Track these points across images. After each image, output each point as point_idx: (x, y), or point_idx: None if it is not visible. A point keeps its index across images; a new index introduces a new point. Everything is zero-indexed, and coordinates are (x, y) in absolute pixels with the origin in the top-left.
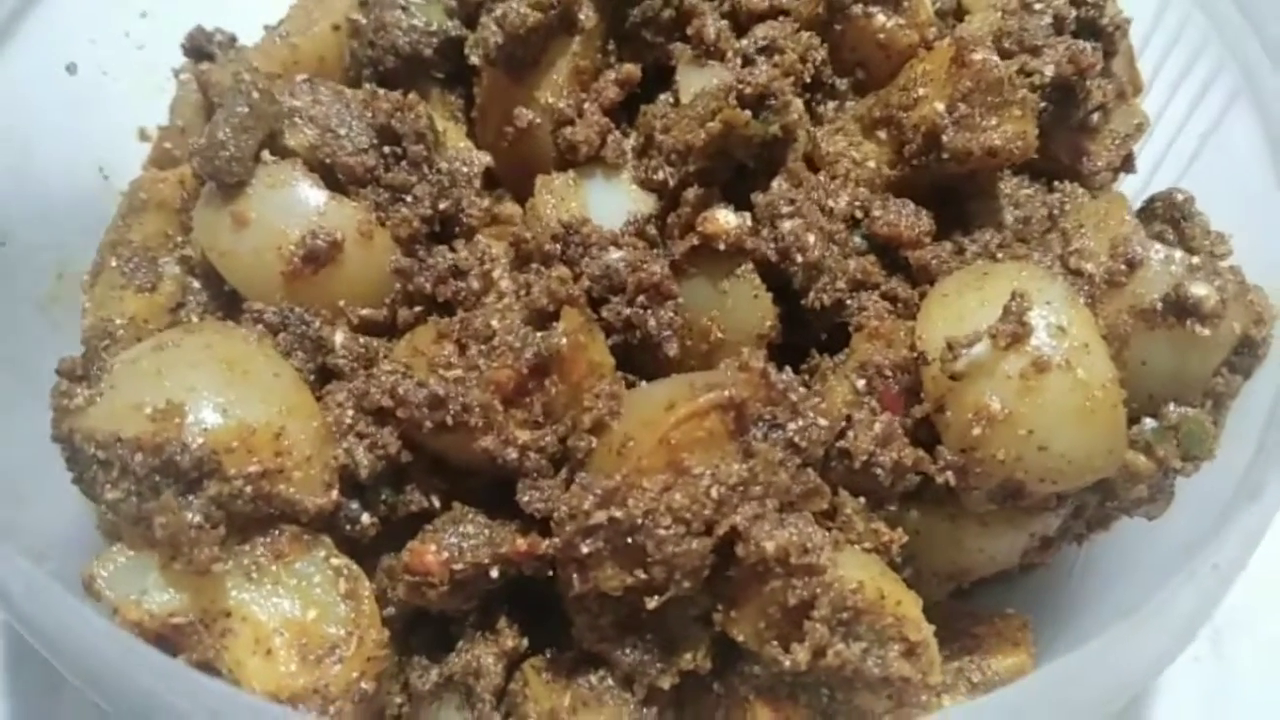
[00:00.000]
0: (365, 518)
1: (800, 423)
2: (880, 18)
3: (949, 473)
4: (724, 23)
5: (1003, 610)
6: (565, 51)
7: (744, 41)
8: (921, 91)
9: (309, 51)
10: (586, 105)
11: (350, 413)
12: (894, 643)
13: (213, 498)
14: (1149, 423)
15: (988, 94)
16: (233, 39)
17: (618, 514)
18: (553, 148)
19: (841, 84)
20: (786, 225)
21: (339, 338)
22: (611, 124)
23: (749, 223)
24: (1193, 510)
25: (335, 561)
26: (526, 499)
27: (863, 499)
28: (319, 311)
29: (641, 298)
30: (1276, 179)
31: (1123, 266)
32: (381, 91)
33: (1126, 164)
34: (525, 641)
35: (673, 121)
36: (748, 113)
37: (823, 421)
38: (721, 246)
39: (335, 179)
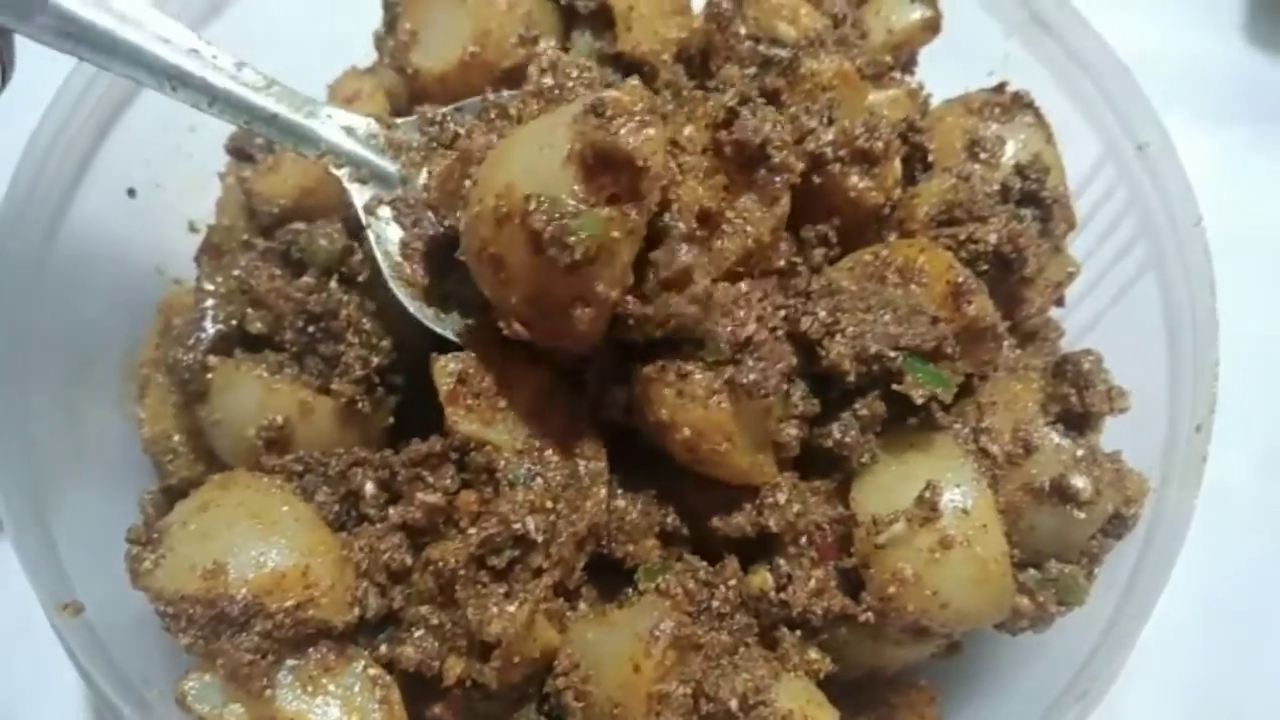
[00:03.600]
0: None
1: (723, 589)
2: (854, 178)
3: (870, 614)
4: None
5: (917, 681)
6: None
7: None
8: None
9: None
10: None
11: (366, 563)
12: None
13: (260, 633)
14: (1033, 573)
15: (975, 340)
16: (270, 142)
17: None
18: None
19: (814, 233)
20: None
21: (369, 489)
22: None
23: None
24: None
25: (371, 672)
26: None
27: (799, 631)
28: (328, 456)
29: None
30: (1167, 362)
31: (1020, 450)
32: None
33: (1057, 303)
34: None
35: None
36: None
37: (733, 583)
38: None
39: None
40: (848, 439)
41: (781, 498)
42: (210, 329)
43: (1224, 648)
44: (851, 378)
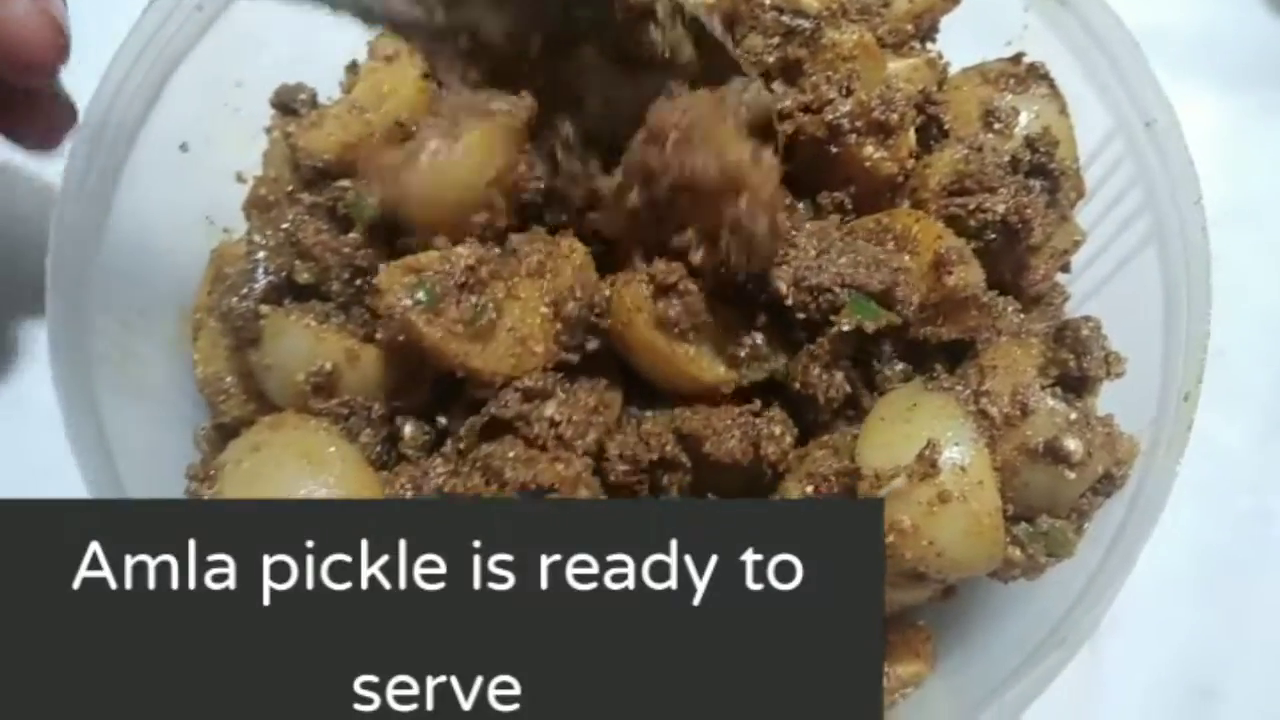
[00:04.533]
0: None
1: None
2: (869, 148)
3: None
4: None
5: (915, 621)
6: None
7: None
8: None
9: (381, 125)
10: None
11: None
12: None
13: None
14: (1025, 526)
15: (958, 308)
16: (314, 97)
17: None
18: None
19: (830, 200)
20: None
21: (409, 429)
22: None
23: None
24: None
25: None
26: None
27: None
28: (371, 400)
29: None
30: (1162, 333)
31: (1018, 413)
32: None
33: (1062, 269)
34: None
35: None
36: None
37: None
38: None
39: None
40: (810, 378)
41: (777, 429)
42: (261, 279)
43: (1210, 600)
44: (789, 301)
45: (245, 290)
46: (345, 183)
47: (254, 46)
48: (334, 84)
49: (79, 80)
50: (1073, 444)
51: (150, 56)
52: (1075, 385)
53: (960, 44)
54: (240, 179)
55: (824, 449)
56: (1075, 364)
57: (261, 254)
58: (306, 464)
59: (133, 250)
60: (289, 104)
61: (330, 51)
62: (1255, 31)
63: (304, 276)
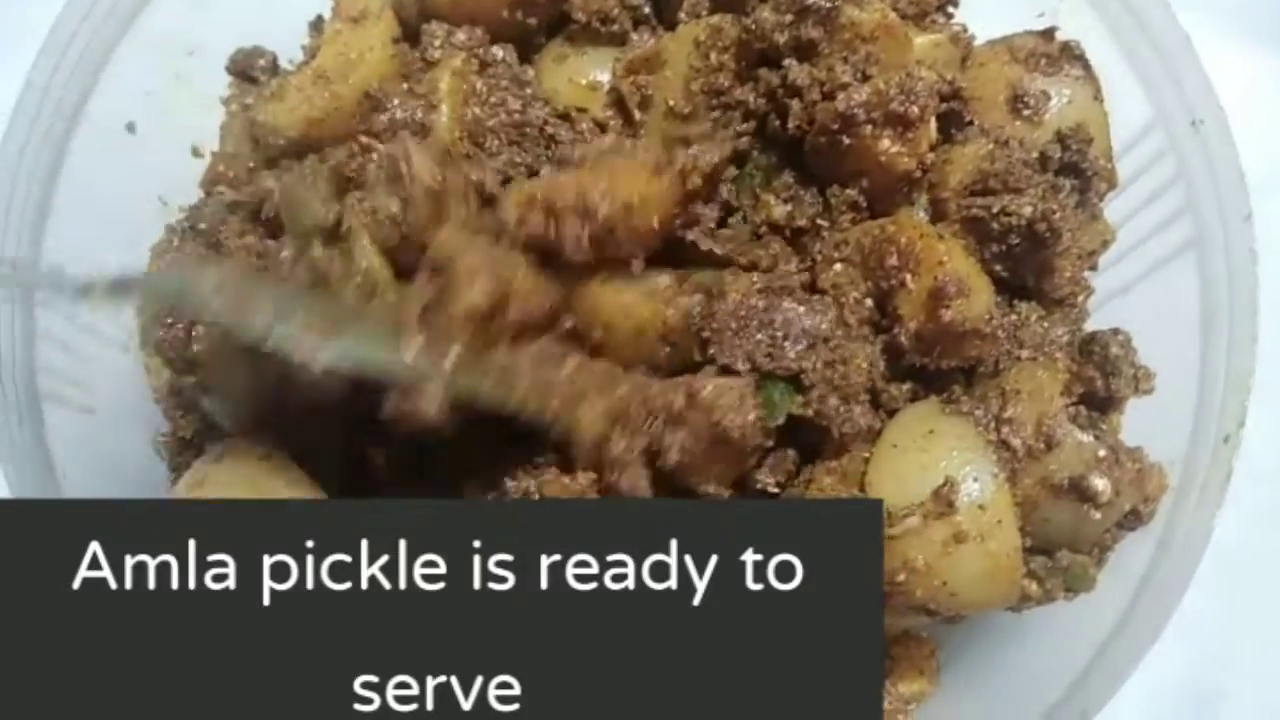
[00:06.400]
0: None
1: None
2: (885, 142)
3: None
4: None
5: (918, 634)
6: None
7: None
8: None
9: (350, 98)
10: None
11: None
12: None
13: None
14: (1043, 560)
15: (956, 340)
16: (274, 61)
17: None
18: None
19: (842, 196)
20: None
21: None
22: None
23: None
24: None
25: None
26: None
27: None
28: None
29: None
30: (1199, 358)
31: (1042, 445)
32: None
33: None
34: None
35: None
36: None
37: None
38: None
39: None
40: (826, 409)
41: (765, 466)
42: None
43: (1226, 591)
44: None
45: (170, 319)
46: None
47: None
48: (296, 44)
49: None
50: (1100, 483)
51: (93, 22)
52: (1100, 404)
53: (985, 10)
54: (197, 153)
55: (830, 474)
56: (1102, 383)
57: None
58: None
59: (78, 240)
60: (247, 71)
61: (291, 5)
62: None
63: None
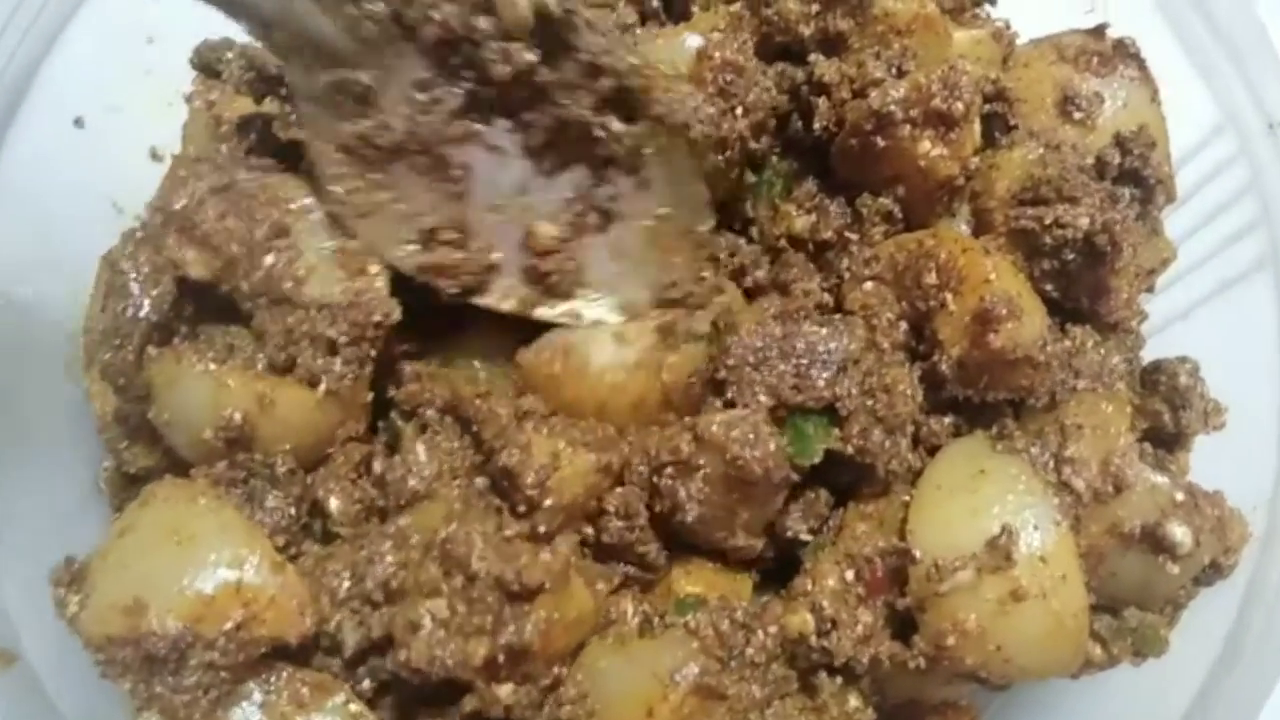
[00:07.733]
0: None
1: (760, 636)
2: (926, 144)
3: (920, 659)
4: None
5: (958, 701)
6: None
7: None
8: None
9: None
10: None
11: (346, 584)
12: None
13: (203, 665)
14: (1109, 620)
15: (1006, 367)
16: (243, 53)
17: None
18: None
19: (874, 206)
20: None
21: (334, 504)
22: None
23: None
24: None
25: (353, 708)
26: None
27: (839, 677)
28: (269, 458)
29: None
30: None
31: (1110, 489)
32: None
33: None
34: None
35: None
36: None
37: (773, 629)
38: None
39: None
40: (870, 444)
41: (795, 509)
42: (140, 318)
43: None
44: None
45: (119, 340)
46: None
47: None
48: None
49: None
50: (1179, 531)
51: (36, 4)
52: (1167, 441)
53: (1027, 6)
54: (156, 156)
55: (865, 520)
56: (1170, 417)
57: (135, 286)
58: (175, 544)
59: (16, 251)
60: (212, 65)
61: None
62: None
63: (198, 270)
